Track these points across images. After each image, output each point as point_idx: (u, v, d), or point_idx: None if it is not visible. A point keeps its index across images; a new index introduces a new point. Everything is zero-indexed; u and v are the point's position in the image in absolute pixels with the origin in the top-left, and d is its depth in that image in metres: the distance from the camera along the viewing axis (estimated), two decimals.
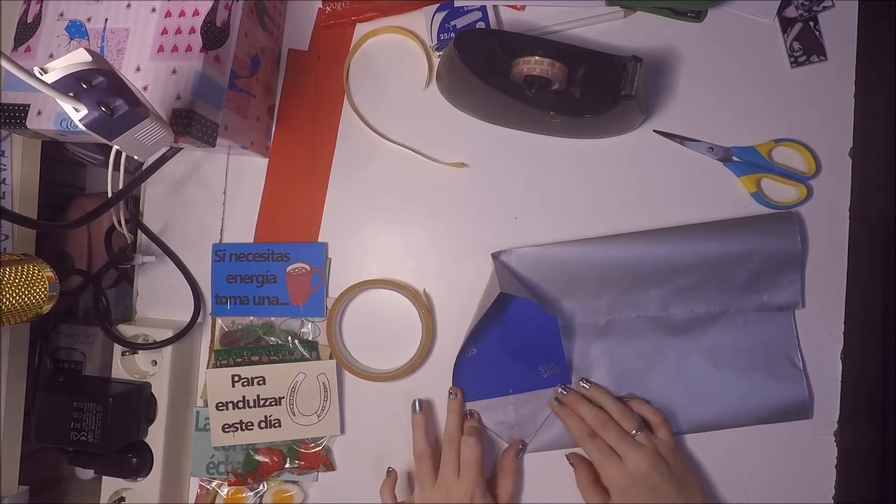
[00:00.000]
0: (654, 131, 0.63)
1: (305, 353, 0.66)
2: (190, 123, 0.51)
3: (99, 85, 0.42)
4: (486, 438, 0.63)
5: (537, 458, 0.63)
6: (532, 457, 0.63)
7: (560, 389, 0.61)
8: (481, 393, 0.63)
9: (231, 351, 0.66)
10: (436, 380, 0.64)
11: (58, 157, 0.69)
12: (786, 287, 0.60)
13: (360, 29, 0.67)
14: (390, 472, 0.63)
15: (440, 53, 0.65)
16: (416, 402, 0.63)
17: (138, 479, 0.64)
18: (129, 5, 0.56)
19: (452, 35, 0.64)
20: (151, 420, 0.64)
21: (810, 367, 0.61)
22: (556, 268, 0.62)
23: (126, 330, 0.65)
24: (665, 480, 0.55)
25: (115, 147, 0.48)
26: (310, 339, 0.66)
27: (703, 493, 0.57)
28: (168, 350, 0.64)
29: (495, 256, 0.63)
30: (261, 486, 0.66)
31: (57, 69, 0.41)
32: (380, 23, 0.67)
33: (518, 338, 0.63)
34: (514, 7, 0.65)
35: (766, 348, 0.61)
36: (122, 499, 0.64)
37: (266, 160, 0.68)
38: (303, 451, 0.66)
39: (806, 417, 0.60)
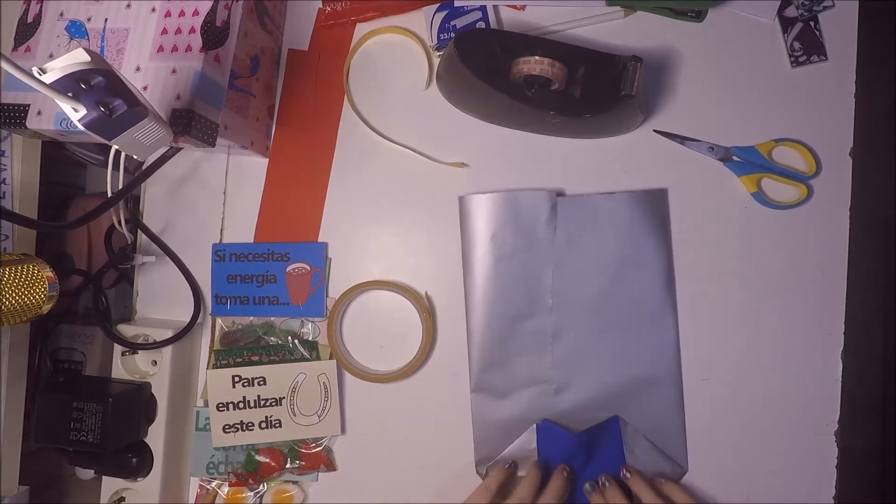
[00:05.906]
0: (654, 131, 0.63)
1: (305, 354, 0.66)
2: (190, 123, 0.51)
3: (97, 85, 0.42)
4: None
5: None
6: None
7: (602, 480, 0.60)
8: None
9: (231, 351, 0.66)
10: (436, 381, 0.64)
11: (58, 157, 0.69)
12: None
13: (360, 29, 0.67)
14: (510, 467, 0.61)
15: (440, 53, 0.65)
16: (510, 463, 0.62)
17: (138, 479, 0.64)
18: (129, 5, 0.56)
19: (452, 35, 0.64)
20: (151, 420, 0.64)
21: (810, 366, 0.60)
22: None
23: (126, 330, 0.65)
24: None
25: (115, 147, 0.48)
26: (310, 339, 0.66)
27: None
28: (168, 350, 0.64)
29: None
30: (261, 487, 0.66)
31: (55, 69, 0.41)
32: (380, 23, 0.67)
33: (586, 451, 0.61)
34: (514, 7, 0.65)
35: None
36: (122, 499, 0.64)
37: (266, 160, 0.68)
38: (303, 451, 0.66)
39: None
